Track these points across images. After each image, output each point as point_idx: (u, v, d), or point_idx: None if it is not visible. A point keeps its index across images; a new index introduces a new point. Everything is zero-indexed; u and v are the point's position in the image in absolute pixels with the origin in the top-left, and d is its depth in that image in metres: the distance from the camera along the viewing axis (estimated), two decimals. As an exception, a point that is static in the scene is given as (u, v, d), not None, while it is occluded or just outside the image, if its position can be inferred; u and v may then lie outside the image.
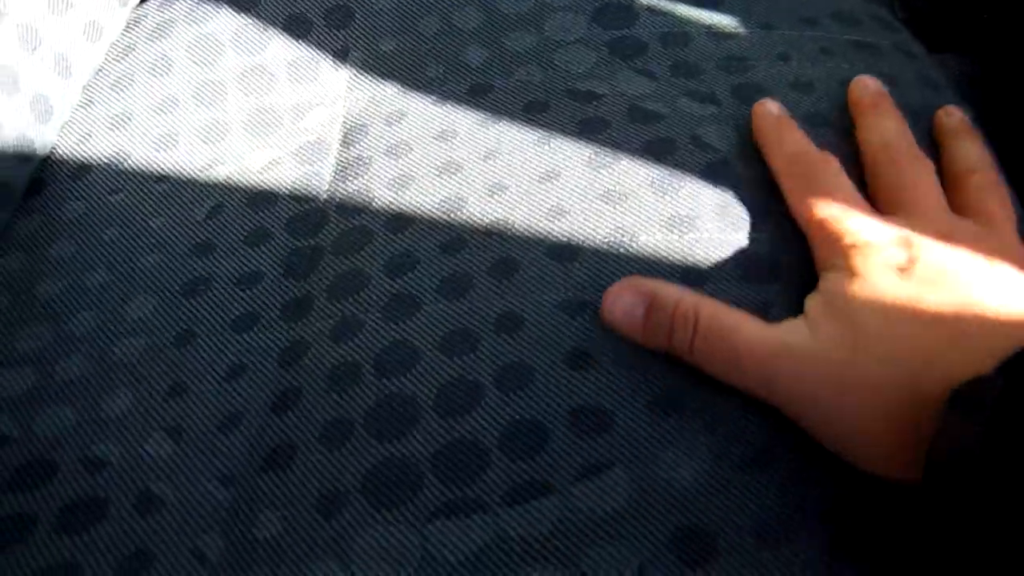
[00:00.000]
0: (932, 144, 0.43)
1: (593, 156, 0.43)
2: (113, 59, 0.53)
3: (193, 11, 0.53)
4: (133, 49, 0.53)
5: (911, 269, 0.32)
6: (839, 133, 0.43)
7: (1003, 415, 0.26)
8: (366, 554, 0.32)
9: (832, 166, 0.38)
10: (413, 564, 0.31)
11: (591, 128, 0.44)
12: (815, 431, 0.32)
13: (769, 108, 0.42)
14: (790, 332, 0.33)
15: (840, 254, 0.34)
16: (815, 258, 0.37)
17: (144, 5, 0.56)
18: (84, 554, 0.34)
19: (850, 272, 0.33)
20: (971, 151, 0.40)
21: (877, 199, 0.38)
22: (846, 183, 0.37)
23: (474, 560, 0.31)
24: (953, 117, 0.42)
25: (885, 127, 0.41)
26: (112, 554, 0.34)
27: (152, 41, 0.53)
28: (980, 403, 0.27)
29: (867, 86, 0.43)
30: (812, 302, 0.34)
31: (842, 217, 0.35)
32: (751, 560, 0.30)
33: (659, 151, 0.42)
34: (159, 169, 0.48)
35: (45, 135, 0.49)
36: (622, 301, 0.35)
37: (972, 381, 0.27)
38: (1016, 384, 0.26)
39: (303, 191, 0.46)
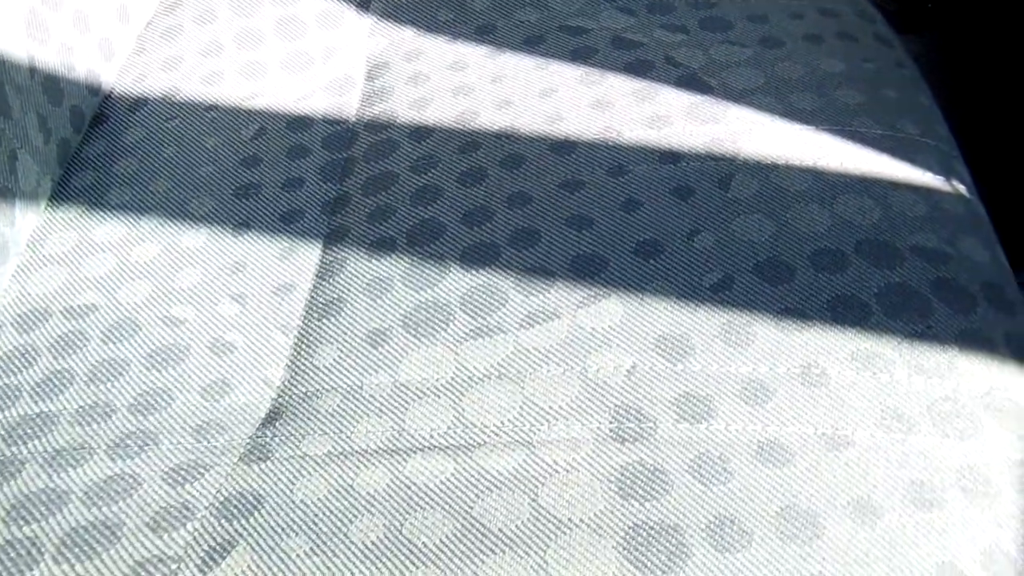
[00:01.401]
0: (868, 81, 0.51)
1: (584, 75, 0.51)
2: (162, 13, 0.61)
3: (233, -29, 0.61)
4: (180, 4, 0.61)
5: None
6: (788, 56, 0.51)
7: None
8: (409, 368, 0.39)
9: None
10: (449, 372, 0.39)
11: (582, 55, 0.52)
12: None
13: None
14: None
15: None
16: None
17: (187, -31, 0.63)
18: (173, 382, 0.41)
19: None
20: None
21: None
22: None
23: (498, 366, 0.39)
24: None
25: None
26: (196, 381, 0.41)
27: (197, -3, 0.60)
28: None
29: None
30: None
31: None
32: (720, 356, 0.38)
33: (639, 69, 0.51)
34: (208, 100, 0.56)
35: (108, 73, 0.57)
36: None
37: None
38: None
39: (335, 115, 0.54)
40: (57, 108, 0.51)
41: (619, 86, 0.50)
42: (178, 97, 0.56)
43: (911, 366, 0.37)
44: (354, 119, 0.53)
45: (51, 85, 0.51)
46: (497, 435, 0.36)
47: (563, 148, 0.47)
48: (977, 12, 1.00)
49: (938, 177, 0.44)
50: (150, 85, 0.57)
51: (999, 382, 0.37)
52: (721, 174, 0.44)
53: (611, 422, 0.36)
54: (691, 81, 0.49)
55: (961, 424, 0.36)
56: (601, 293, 0.40)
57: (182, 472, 0.37)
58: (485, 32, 0.56)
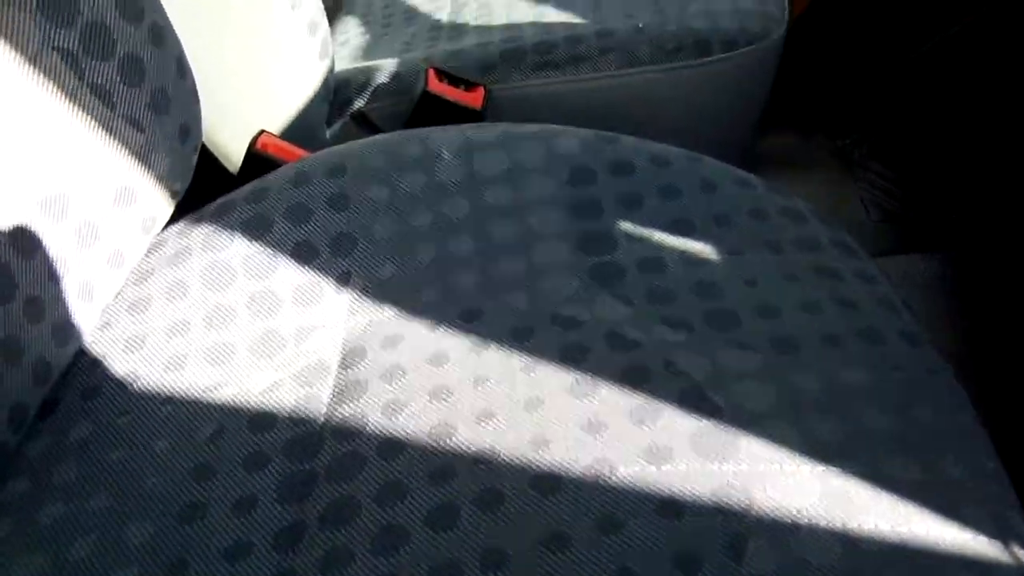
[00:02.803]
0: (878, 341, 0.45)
1: (575, 384, 0.45)
2: (132, 283, 0.57)
3: (209, 239, 0.57)
4: (152, 274, 0.57)
5: None
6: (803, 365, 0.45)
7: None
8: None
9: None
10: None
11: (573, 355, 0.47)
12: None
13: None
14: None
15: None
16: None
17: (165, 231, 0.60)
18: None
19: None
20: None
21: None
22: None
23: None
24: None
25: None
26: None
27: (170, 267, 0.57)
28: None
29: None
30: None
31: None
32: None
33: (636, 378, 0.45)
34: (167, 391, 0.51)
35: (62, 358, 0.52)
36: None
37: None
38: None
39: (302, 414, 0.48)
40: (-8, 414, 0.47)
41: (613, 401, 0.44)
42: (136, 386, 0.52)
43: None
44: (322, 420, 0.48)
45: (-12, 390, 0.47)
46: None
47: (548, 485, 0.41)
48: (1008, 225, 0.94)
49: (993, 542, 0.37)
50: (109, 368, 0.53)
51: None
52: (731, 536, 0.37)
53: None
54: (695, 398, 0.43)
55: None
56: None
57: None
58: (470, 318, 0.51)
